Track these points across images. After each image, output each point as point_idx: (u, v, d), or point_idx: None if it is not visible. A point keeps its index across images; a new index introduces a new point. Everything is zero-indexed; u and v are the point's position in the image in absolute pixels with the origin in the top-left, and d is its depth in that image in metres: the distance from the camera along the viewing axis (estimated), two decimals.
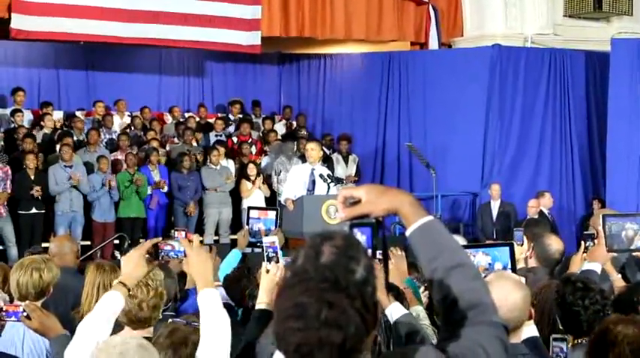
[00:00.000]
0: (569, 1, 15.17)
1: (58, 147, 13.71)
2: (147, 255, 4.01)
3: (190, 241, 3.95)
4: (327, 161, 13.32)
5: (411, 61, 16.21)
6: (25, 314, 4.63)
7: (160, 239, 4.83)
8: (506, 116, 14.94)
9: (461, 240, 6.33)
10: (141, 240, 12.83)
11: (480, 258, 4.68)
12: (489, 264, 4.76)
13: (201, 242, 4.18)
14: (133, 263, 3.93)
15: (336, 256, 1.93)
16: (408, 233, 2.46)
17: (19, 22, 13.35)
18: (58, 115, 15.74)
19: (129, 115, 16.30)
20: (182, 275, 5.69)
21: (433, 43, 16.02)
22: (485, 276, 3.99)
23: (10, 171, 12.82)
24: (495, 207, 13.32)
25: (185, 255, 4.02)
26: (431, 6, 15.77)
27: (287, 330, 1.86)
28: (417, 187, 15.30)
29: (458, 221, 14.06)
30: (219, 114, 17.32)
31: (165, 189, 14.15)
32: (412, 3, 15.79)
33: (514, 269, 4.99)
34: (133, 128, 15.92)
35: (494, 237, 12.04)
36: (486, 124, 14.91)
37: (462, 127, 15.14)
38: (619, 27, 15.11)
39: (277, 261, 4.27)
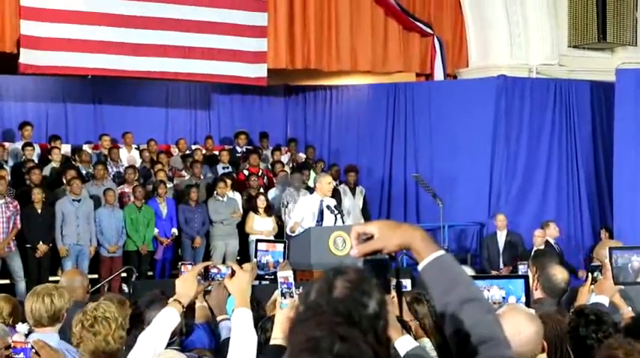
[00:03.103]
0: (573, 32, 15.25)
1: (64, 180, 13.75)
2: (198, 277, 4.21)
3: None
4: (334, 192, 13.30)
5: (416, 92, 16.20)
6: (33, 350, 4.63)
7: (210, 263, 4.92)
8: (513, 146, 14.90)
9: (469, 271, 6.27)
10: (149, 273, 13.23)
11: (494, 291, 4.63)
12: (503, 297, 4.78)
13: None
14: (188, 283, 4.11)
15: (349, 290, 1.95)
16: (420, 267, 2.46)
17: (27, 57, 13.40)
18: (66, 149, 15.72)
19: (136, 148, 16.30)
20: (187, 309, 5.67)
21: (438, 74, 16.06)
22: (498, 309, 4.00)
23: (19, 206, 12.84)
24: (502, 237, 13.23)
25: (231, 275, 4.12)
26: (436, 37, 15.83)
27: (309, 340, 1.87)
28: (424, 218, 15.31)
29: (465, 251, 14.03)
30: (226, 147, 17.26)
31: (168, 244, 14.27)
32: (417, 34, 15.86)
33: (528, 303, 5.09)
34: (141, 161, 15.98)
35: (501, 267, 12.05)
36: (493, 155, 14.90)
37: (468, 158, 15.11)
38: (623, 57, 15.11)
39: (292, 296, 4.24)
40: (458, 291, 2.47)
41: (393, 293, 5.27)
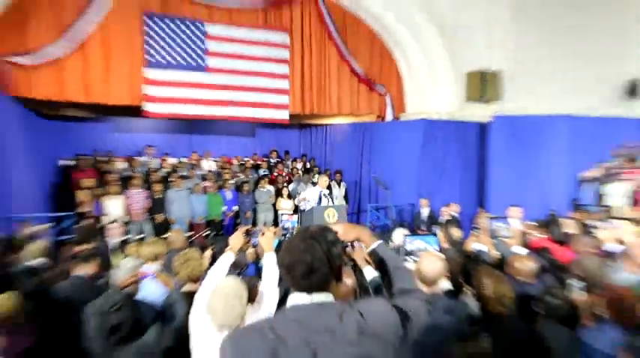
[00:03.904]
0: (468, 91, 15.19)
1: (172, 179, 14.09)
2: (244, 235, 4.39)
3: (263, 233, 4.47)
4: (328, 186, 13.58)
5: (375, 127, 16.16)
6: (154, 275, 4.96)
7: (249, 226, 5.27)
8: (431, 160, 14.94)
9: (406, 231, 6.52)
10: (220, 233, 13.50)
11: (418, 243, 4.80)
12: (425, 247, 4.81)
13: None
14: (237, 239, 4.29)
15: (318, 228, 2.35)
16: (368, 250, 2.98)
17: (149, 107, 13.45)
18: (172, 160, 16.00)
19: (213, 160, 16.56)
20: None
21: (389, 117, 15.97)
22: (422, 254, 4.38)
23: (147, 194, 13.27)
24: (425, 212, 13.34)
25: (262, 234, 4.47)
26: (387, 94, 15.75)
27: (284, 257, 2.28)
28: (380, 201, 15.31)
29: (403, 220, 13.91)
30: (264, 159, 17.40)
31: (231, 215, 14.45)
32: (376, 92, 15.74)
33: (440, 250, 5.17)
34: (216, 167, 16.29)
35: (423, 229, 12.03)
36: (420, 164, 14.90)
37: (405, 165, 15.10)
38: (495, 108, 15.03)
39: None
40: (390, 262, 2.98)
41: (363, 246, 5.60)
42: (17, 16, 11.88)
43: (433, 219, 13.03)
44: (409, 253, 4.71)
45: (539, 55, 15.66)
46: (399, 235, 6.74)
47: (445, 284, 4.38)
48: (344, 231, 2.93)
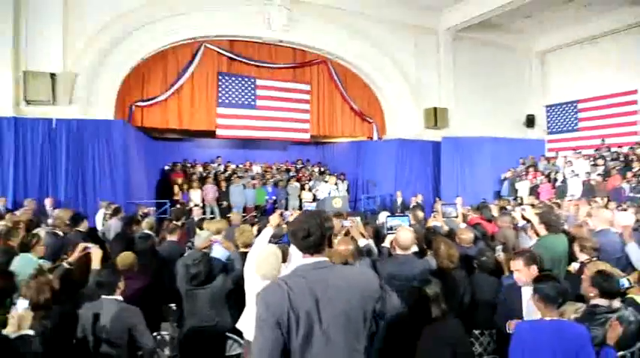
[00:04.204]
0: (425, 121, 15.06)
1: (233, 178, 14.00)
2: (279, 216, 4.25)
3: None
4: (336, 183, 13.59)
5: (366, 144, 16.00)
6: (220, 242, 4.91)
7: (282, 210, 5.15)
8: (403, 166, 14.82)
9: (387, 213, 6.51)
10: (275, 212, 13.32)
11: (395, 221, 4.76)
12: (400, 224, 4.72)
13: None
14: (275, 218, 4.10)
15: (316, 211, 2.35)
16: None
17: (219, 131, 13.47)
18: (232, 166, 15.94)
19: (259, 166, 16.58)
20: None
21: (375, 137, 15.71)
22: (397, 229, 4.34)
23: (216, 188, 13.16)
24: (399, 201, 13.33)
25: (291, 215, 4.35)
26: (374, 122, 15.48)
27: (291, 226, 2.22)
28: (369, 193, 15.17)
29: (385, 206, 13.77)
30: (293, 165, 17.32)
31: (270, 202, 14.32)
32: (366, 120, 15.49)
33: (410, 225, 5.04)
34: (261, 171, 16.25)
35: (400, 212, 12.01)
36: (396, 169, 14.83)
37: (385, 170, 14.99)
38: (443, 132, 15.03)
39: None
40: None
41: (360, 221, 5.53)
42: (138, 75, 12.15)
43: (405, 205, 12.90)
44: (390, 228, 4.64)
45: (470, 98, 15.73)
46: (383, 216, 6.69)
47: (414, 248, 4.34)
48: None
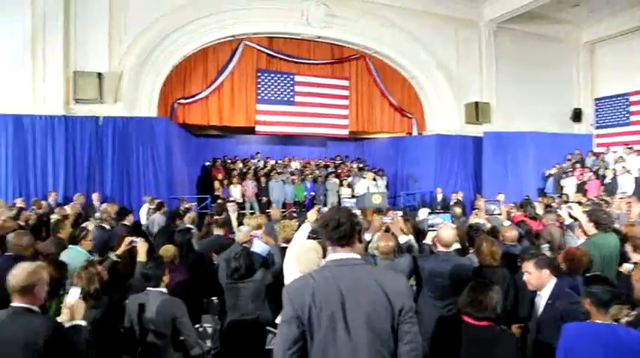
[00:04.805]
0: (466, 116, 14.82)
1: (272, 174, 14.10)
2: (317, 211, 4.25)
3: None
4: (374, 178, 13.47)
5: (405, 140, 15.91)
6: (260, 237, 4.93)
7: (321, 206, 5.13)
8: (443, 163, 14.64)
9: (428, 210, 6.43)
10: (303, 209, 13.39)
11: (437, 218, 4.69)
12: (442, 221, 4.66)
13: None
14: (313, 214, 4.08)
15: (345, 207, 2.39)
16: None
17: (259, 128, 13.58)
18: (272, 162, 15.98)
19: (298, 162, 16.65)
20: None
21: (414, 133, 15.58)
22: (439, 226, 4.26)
23: (255, 183, 13.27)
24: (439, 197, 13.02)
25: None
26: (414, 118, 15.36)
27: (322, 218, 2.21)
28: (409, 189, 15.10)
29: (425, 202, 13.61)
30: (331, 161, 17.24)
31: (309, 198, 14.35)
32: (406, 116, 15.39)
33: (452, 222, 5.00)
34: (300, 167, 16.32)
35: (440, 209, 11.78)
36: (435, 165, 14.61)
37: (425, 166, 14.82)
38: (485, 127, 14.71)
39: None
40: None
41: (400, 216, 5.46)
42: (180, 74, 12.46)
43: (445, 202, 12.70)
44: (431, 225, 4.57)
45: (513, 91, 15.29)
46: (423, 213, 6.60)
47: (456, 246, 4.29)
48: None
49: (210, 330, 4.33)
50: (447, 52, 14.76)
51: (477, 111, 14.76)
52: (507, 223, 5.77)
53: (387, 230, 4.93)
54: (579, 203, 7.73)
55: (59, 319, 2.72)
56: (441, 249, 4.01)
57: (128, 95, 11.19)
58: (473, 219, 6.02)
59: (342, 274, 2.08)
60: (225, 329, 4.12)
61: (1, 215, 7.09)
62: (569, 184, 13.59)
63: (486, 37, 15.22)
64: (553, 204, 8.58)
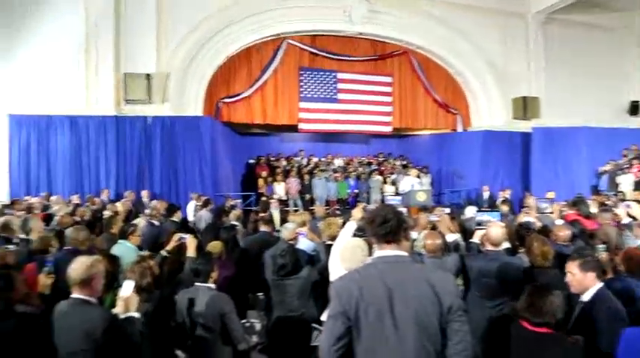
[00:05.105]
0: (514, 111, 14.40)
1: (316, 171, 14.14)
2: (362, 209, 4.25)
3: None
4: (418, 175, 13.27)
5: (450, 136, 15.64)
6: (305, 234, 4.92)
7: (365, 204, 5.07)
8: (489, 159, 14.27)
9: (474, 208, 6.28)
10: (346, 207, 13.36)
11: (485, 216, 4.58)
12: (489, 219, 4.55)
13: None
14: (358, 211, 4.12)
15: (391, 205, 2.33)
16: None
17: (302, 125, 13.69)
18: (315, 159, 16.09)
19: (342, 159, 16.59)
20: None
21: (459, 129, 15.31)
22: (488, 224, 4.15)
23: (299, 181, 13.36)
24: (486, 195, 12.66)
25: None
26: (458, 114, 15.09)
27: (369, 215, 2.21)
28: (456, 186, 14.77)
29: (470, 200, 13.34)
30: (374, 158, 17.15)
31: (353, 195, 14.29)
32: (451, 112, 15.13)
33: (501, 220, 4.90)
34: (343, 164, 16.26)
35: (487, 207, 11.44)
36: (481, 162, 14.30)
37: (470, 162, 14.52)
38: (533, 122, 14.30)
39: None
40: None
41: (446, 214, 5.39)
42: (224, 73, 12.65)
43: (492, 200, 12.36)
44: (479, 223, 4.47)
45: (563, 85, 14.76)
46: (470, 211, 6.46)
47: (506, 245, 4.18)
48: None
49: (256, 326, 4.39)
50: (493, 45, 14.38)
51: (525, 106, 14.32)
52: (560, 222, 5.57)
53: (434, 228, 4.86)
54: (638, 201, 7.36)
55: (114, 311, 2.83)
56: (489, 247, 3.92)
57: (175, 95, 11.52)
58: (522, 218, 5.83)
59: (389, 270, 2.08)
60: (271, 325, 4.17)
61: (59, 211, 7.45)
62: (626, 181, 12.94)
63: (534, 29, 14.71)
64: (608, 203, 8.21)
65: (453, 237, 4.36)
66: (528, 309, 2.64)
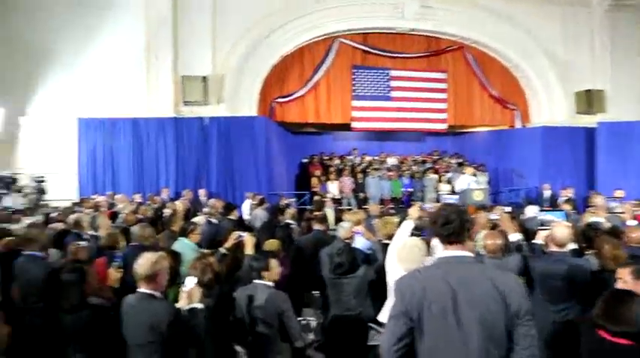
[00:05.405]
0: (577, 105, 13.79)
1: (368, 170, 14.08)
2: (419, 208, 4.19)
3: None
4: (474, 174, 12.93)
5: (506, 134, 15.18)
6: (361, 233, 4.90)
7: (421, 203, 4.99)
8: (550, 156, 13.65)
9: (536, 208, 6.06)
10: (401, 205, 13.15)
11: (549, 216, 4.42)
12: (553, 219, 4.39)
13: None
14: (415, 211, 4.07)
15: (454, 204, 2.27)
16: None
17: (355, 124, 13.71)
18: (368, 158, 15.95)
19: (396, 158, 16.36)
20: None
21: (517, 125, 14.81)
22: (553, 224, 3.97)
23: (354, 182, 13.36)
24: (547, 194, 12.17)
25: None
26: (517, 109, 14.62)
27: (431, 215, 2.18)
28: (516, 185, 14.21)
29: (531, 199, 12.75)
30: (429, 156, 16.84)
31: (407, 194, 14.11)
32: (508, 108, 14.70)
33: (567, 220, 4.73)
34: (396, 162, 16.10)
35: (548, 206, 10.79)
36: (541, 159, 13.71)
37: (529, 160, 13.96)
38: (600, 116, 13.65)
39: None
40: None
41: (506, 213, 5.21)
42: (277, 73, 12.81)
43: (553, 199, 11.86)
44: (543, 223, 4.30)
45: (631, 77, 14.01)
46: (531, 210, 6.22)
47: (572, 246, 3.99)
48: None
49: (312, 323, 4.43)
50: (553, 35, 13.76)
51: (590, 100, 13.66)
52: (633, 223, 5.29)
53: (493, 227, 4.72)
54: None
55: (178, 305, 2.94)
56: (554, 248, 3.76)
57: (230, 96, 11.84)
58: (589, 218, 5.55)
59: (453, 271, 2.05)
60: (327, 323, 4.20)
61: (124, 209, 7.82)
62: None
63: (599, 18, 13.98)
64: None
65: (515, 236, 4.21)
66: (605, 316, 2.41)
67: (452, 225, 2.08)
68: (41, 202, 9.84)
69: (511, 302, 1.99)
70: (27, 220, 6.76)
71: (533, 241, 4.19)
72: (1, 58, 11.02)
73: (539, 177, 13.45)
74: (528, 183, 13.73)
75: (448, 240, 2.10)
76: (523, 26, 13.56)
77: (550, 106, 14.02)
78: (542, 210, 4.64)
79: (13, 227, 6.11)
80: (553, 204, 10.56)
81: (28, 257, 4.17)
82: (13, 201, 9.37)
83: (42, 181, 10.38)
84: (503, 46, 13.71)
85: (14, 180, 10.11)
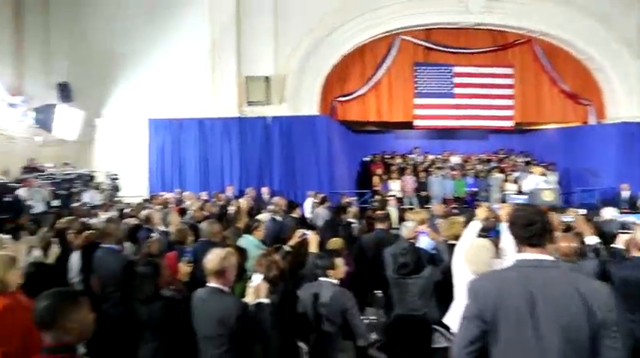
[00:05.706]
0: None
1: (431, 169, 13.81)
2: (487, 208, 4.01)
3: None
4: (543, 174, 12.36)
5: (578, 131, 14.43)
6: (426, 232, 4.81)
7: (486, 203, 4.79)
8: (629, 154, 12.88)
9: (614, 210, 5.69)
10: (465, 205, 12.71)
11: (631, 219, 4.19)
12: (634, 221, 4.14)
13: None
14: (482, 211, 3.92)
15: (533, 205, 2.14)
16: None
17: (417, 122, 13.51)
18: (431, 157, 15.72)
19: (459, 156, 15.88)
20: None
21: (592, 121, 13.94)
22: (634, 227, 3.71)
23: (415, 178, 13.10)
24: (626, 194, 11.46)
25: None
26: (590, 105, 13.77)
27: (511, 216, 2.08)
28: (590, 185, 13.31)
29: (607, 200, 11.91)
30: (494, 154, 16.33)
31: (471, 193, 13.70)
32: (581, 103, 13.89)
33: None
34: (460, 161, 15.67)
35: (627, 208, 10.16)
36: (618, 157, 12.95)
37: (605, 158, 13.14)
38: None
39: None
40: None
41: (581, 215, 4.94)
42: (338, 72, 12.85)
43: (632, 200, 11.13)
44: (624, 226, 4.03)
45: None
46: (608, 212, 5.84)
47: None
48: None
49: (375, 323, 4.40)
50: (631, 23, 12.88)
51: None
52: None
53: (567, 230, 4.48)
54: None
55: (245, 300, 3.02)
56: (637, 254, 3.51)
57: (292, 96, 12.04)
58: None
59: (533, 276, 1.94)
60: (390, 323, 4.16)
61: (192, 206, 8.13)
62: None
63: None
64: None
65: (593, 239, 3.97)
66: None
67: (534, 226, 1.97)
68: (115, 198, 10.43)
69: (596, 312, 1.86)
70: (104, 215, 7.19)
71: (612, 245, 3.93)
72: (80, 64, 11.82)
73: (615, 177, 12.61)
74: (603, 183, 12.91)
75: (529, 242, 1.99)
76: (597, 15, 12.76)
77: (629, 101, 13.12)
78: (621, 213, 4.31)
79: (92, 221, 6.52)
80: (632, 206, 9.88)
81: (106, 250, 4.43)
82: (90, 197, 10.01)
83: (116, 179, 11.02)
84: (575, 36, 12.98)
85: (92, 178, 10.81)
